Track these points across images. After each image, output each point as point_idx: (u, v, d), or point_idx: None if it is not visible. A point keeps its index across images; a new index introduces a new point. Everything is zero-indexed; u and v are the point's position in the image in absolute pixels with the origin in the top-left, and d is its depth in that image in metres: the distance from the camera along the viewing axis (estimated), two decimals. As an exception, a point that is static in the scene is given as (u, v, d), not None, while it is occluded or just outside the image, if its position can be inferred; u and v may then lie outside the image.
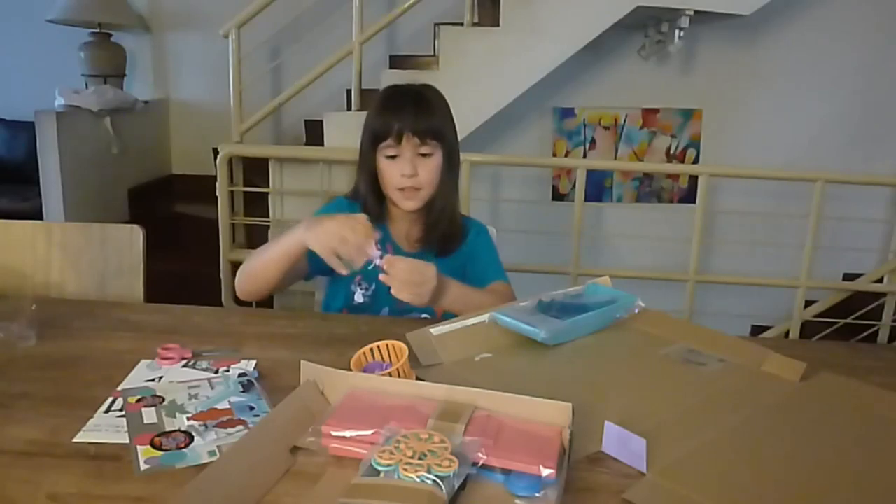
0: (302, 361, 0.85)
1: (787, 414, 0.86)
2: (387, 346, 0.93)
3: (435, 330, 1.00)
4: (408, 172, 1.24)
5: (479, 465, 0.68)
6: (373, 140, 1.26)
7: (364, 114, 1.34)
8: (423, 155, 1.25)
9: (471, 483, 0.67)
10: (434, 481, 0.63)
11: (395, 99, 1.27)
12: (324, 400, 0.82)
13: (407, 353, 0.89)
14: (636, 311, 1.15)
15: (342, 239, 1.03)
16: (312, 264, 1.24)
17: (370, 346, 0.93)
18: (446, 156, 1.28)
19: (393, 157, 1.25)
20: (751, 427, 0.82)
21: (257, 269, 1.20)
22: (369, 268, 1.06)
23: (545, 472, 0.66)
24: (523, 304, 1.10)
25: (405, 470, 0.64)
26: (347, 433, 0.72)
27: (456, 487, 0.64)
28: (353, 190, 1.35)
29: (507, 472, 0.68)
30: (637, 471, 0.72)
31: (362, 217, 1.07)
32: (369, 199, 1.30)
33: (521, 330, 1.01)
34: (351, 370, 0.88)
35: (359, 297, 1.31)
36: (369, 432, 0.71)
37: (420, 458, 0.65)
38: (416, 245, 1.33)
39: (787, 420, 0.85)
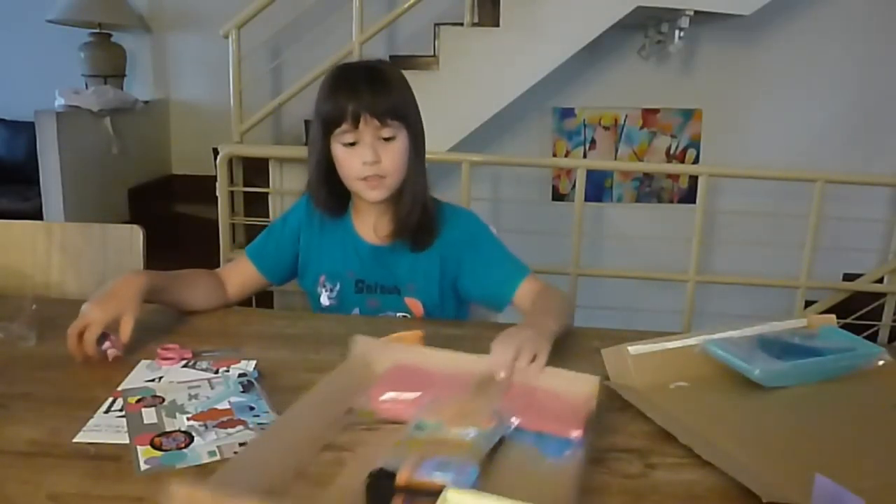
0: (356, 336, 0.91)
1: None
2: (399, 337, 0.94)
3: (633, 349, 0.93)
4: (369, 159, 1.10)
5: (515, 427, 0.75)
6: (325, 127, 1.11)
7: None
8: (386, 139, 1.11)
9: (506, 443, 0.74)
10: (474, 437, 0.70)
11: (347, 78, 1.12)
12: (372, 369, 0.89)
13: (421, 336, 0.92)
14: (880, 363, 0.98)
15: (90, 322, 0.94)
16: (269, 275, 1.23)
17: (389, 336, 0.94)
18: (412, 138, 1.15)
19: (351, 144, 1.11)
20: None
21: None
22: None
23: (573, 434, 0.74)
24: (741, 337, 0.99)
25: (448, 426, 0.72)
26: (396, 396, 0.80)
27: (494, 443, 0.71)
28: (308, 185, 1.23)
29: (539, 434, 0.75)
30: (641, 472, 0.72)
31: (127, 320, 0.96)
32: (321, 193, 1.19)
33: (733, 365, 0.92)
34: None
35: (325, 300, 1.24)
36: (416, 395, 0.79)
37: (462, 417, 0.73)
38: (385, 239, 1.20)
39: None
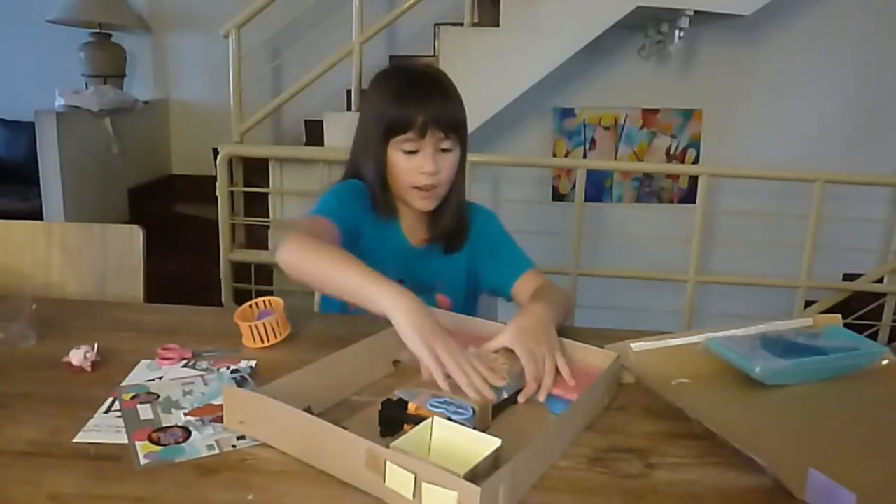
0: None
1: None
2: (265, 301, 1.08)
3: (636, 345, 0.95)
4: (430, 170, 1.11)
5: None
6: (387, 131, 1.12)
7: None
8: (444, 150, 1.14)
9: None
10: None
11: (416, 86, 1.13)
12: None
13: (282, 303, 1.06)
14: (884, 362, 0.97)
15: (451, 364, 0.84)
16: (344, 237, 1.14)
17: (251, 301, 1.08)
18: (462, 149, 1.18)
19: (412, 152, 1.12)
20: None
21: (315, 276, 1.00)
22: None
23: (575, 398, 0.84)
24: (744, 335, 0.99)
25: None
26: None
27: (503, 397, 0.83)
28: (356, 178, 1.19)
29: (550, 395, 0.87)
30: (641, 472, 0.72)
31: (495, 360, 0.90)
32: (378, 193, 1.18)
33: (734, 363, 0.92)
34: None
35: None
36: None
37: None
38: (421, 241, 1.24)
39: None
